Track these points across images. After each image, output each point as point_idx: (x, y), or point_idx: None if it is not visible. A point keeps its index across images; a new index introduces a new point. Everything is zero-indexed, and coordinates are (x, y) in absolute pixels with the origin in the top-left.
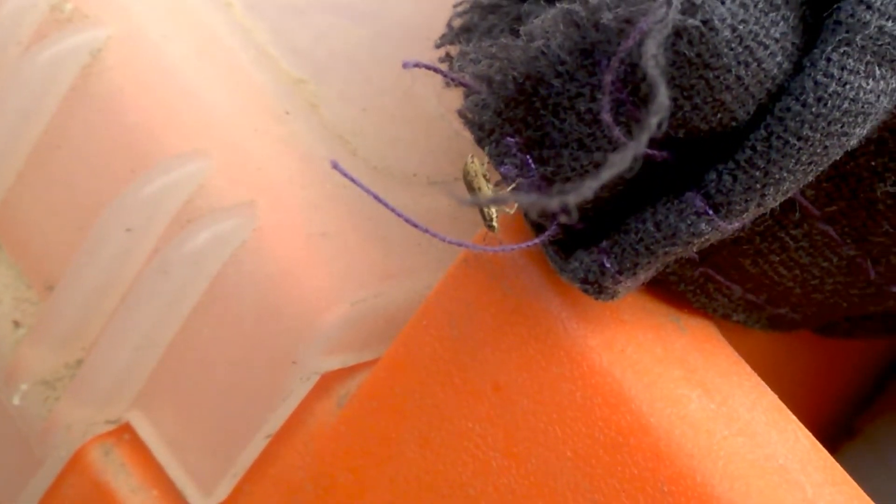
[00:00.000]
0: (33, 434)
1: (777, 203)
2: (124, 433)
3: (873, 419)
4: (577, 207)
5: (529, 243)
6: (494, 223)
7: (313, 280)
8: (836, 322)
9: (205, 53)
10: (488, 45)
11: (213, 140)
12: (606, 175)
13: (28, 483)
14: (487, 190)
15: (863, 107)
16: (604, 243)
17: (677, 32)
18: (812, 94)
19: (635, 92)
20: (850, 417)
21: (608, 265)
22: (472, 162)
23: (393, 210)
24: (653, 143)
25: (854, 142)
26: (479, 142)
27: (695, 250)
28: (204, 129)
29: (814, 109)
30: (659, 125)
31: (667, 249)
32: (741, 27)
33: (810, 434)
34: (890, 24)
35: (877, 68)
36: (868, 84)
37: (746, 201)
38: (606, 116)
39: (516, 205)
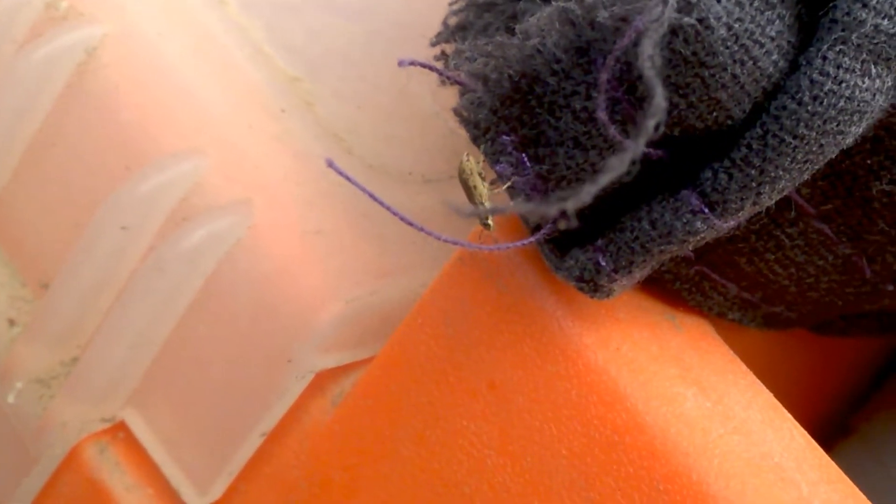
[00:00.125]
0: (28, 432)
1: (773, 201)
2: (119, 431)
3: (868, 417)
4: (573, 211)
5: (525, 241)
6: (490, 222)
7: (308, 278)
8: (831, 320)
9: (200, 51)
10: (484, 43)
11: (209, 138)
12: (605, 179)
13: (23, 481)
14: (483, 188)
15: (858, 105)
16: (599, 241)
17: (673, 31)
18: (808, 93)
19: (631, 90)
20: (845, 416)
21: (603, 263)
22: (468, 160)
23: (388, 208)
24: (648, 141)
25: (850, 140)
26: (475, 140)
27: (690, 248)
28: (199, 127)
29: (810, 108)
30: (656, 127)
31: (662, 248)
32: (737, 25)
33: (805, 432)
34: (886, 22)
35: (873, 67)
36: (864, 82)
37: (742, 199)
38: (602, 115)
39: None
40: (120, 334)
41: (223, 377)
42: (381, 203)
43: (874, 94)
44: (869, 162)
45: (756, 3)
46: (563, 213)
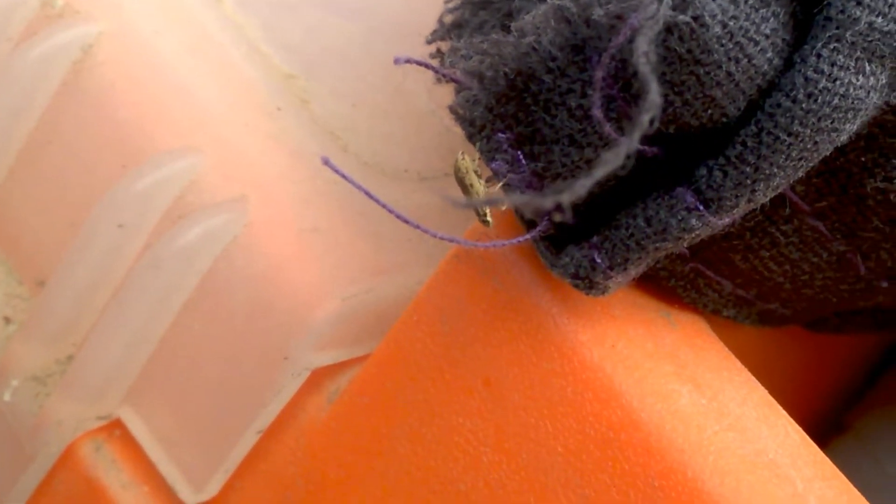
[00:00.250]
0: (24, 430)
1: (767, 198)
2: (115, 429)
3: (863, 414)
4: (569, 204)
5: (520, 239)
6: (489, 218)
7: (304, 275)
8: (825, 317)
9: (196, 49)
10: (479, 40)
11: (205, 136)
12: (599, 173)
13: (19, 479)
14: (479, 186)
15: (853, 103)
16: (594, 239)
17: (668, 28)
18: (802, 90)
19: (626, 88)
20: (839, 413)
21: (599, 261)
22: (463, 159)
23: (384, 206)
24: (644, 138)
25: (844, 138)
26: (470, 137)
27: (685, 245)
28: (195, 125)
29: (804, 105)
30: (651, 122)
31: (657, 245)
32: (732, 23)
33: (800, 429)
34: (880, 20)
35: (867, 64)
36: (858, 80)
37: (737, 197)
38: (597, 112)
39: None
40: (116, 332)
41: (219, 375)
42: (377, 201)
43: (868, 92)
44: (863, 159)
45: (751, 1)
46: (559, 207)
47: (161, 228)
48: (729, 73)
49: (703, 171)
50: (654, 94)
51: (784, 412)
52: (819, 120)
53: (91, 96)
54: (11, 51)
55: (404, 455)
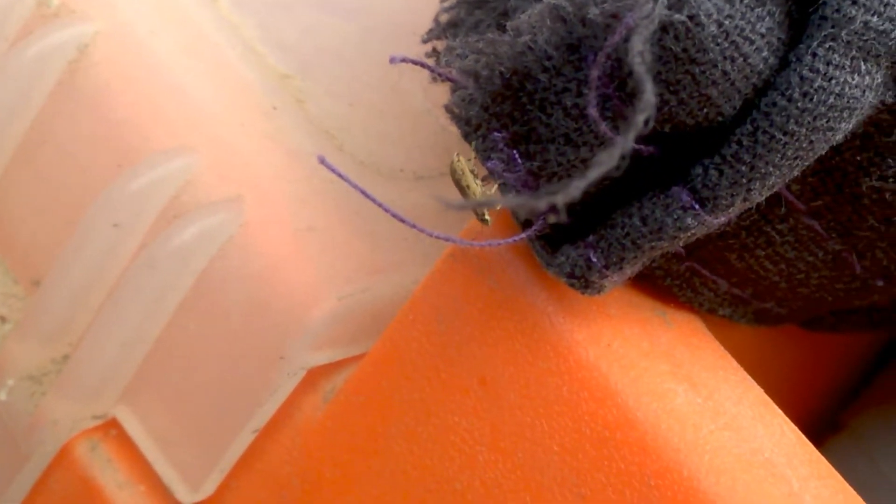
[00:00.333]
0: (19, 429)
1: (763, 198)
2: (111, 428)
3: (858, 413)
4: (563, 206)
5: (516, 238)
6: (487, 217)
7: (300, 275)
8: (821, 316)
9: (192, 49)
10: (475, 40)
11: (200, 135)
12: (594, 174)
13: (14, 479)
14: (476, 186)
15: (848, 102)
16: (590, 238)
17: (663, 28)
18: (798, 89)
19: (622, 87)
20: (835, 412)
21: (594, 260)
22: (459, 160)
23: (380, 205)
24: (639, 137)
25: (839, 136)
26: (466, 137)
27: (681, 245)
28: (191, 125)
29: (799, 104)
30: (646, 122)
31: (653, 244)
32: (727, 22)
33: (796, 428)
34: (875, 19)
35: (862, 63)
36: (853, 79)
37: (732, 196)
38: (593, 111)
39: None
40: (111, 332)
41: (215, 374)
42: (373, 200)
43: (864, 91)
44: (858, 158)
45: (746, 0)
46: (553, 208)
47: (157, 228)
48: (724, 72)
49: (699, 170)
50: (650, 94)
51: (780, 411)
52: (814, 119)
53: (87, 96)
54: (7, 50)
55: (400, 454)
